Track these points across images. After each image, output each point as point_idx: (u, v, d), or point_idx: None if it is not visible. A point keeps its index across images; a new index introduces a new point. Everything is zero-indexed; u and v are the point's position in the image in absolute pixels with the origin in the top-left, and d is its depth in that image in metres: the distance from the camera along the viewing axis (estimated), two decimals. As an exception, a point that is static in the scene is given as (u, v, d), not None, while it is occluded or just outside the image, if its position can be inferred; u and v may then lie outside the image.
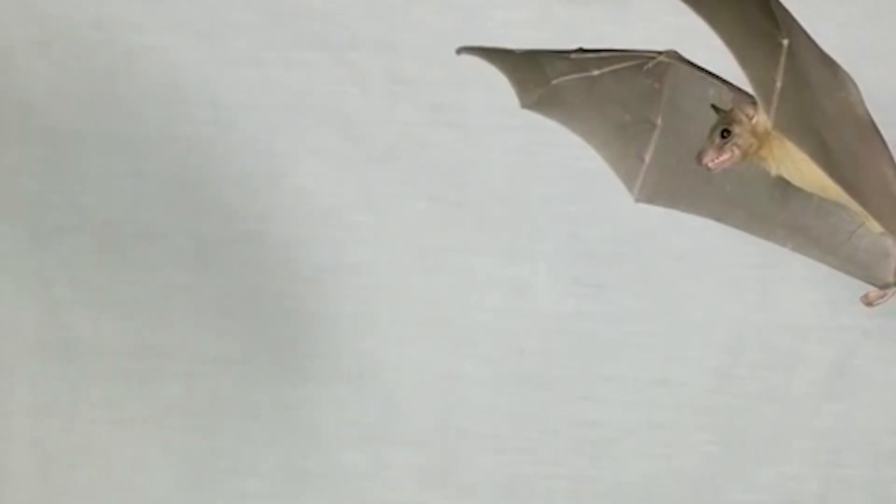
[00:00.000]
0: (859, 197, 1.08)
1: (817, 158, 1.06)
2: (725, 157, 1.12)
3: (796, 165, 1.12)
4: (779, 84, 1.02)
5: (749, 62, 1.01)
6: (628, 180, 1.21)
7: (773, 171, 1.14)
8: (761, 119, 1.10)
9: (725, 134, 1.12)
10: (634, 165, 1.20)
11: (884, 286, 1.17)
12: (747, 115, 1.11)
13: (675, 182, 1.19)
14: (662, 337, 1.56)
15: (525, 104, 1.20)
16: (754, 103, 1.10)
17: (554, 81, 1.18)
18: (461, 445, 1.57)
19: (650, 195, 1.21)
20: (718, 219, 1.20)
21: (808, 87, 1.04)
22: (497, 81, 1.21)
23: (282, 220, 1.57)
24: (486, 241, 1.56)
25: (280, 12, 1.55)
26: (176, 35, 1.55)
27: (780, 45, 1.02)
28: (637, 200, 1.21)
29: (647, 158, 1.20)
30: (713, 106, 1.13)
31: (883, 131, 1.10)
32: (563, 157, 1.54)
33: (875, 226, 1.14)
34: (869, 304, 1.17)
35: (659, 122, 1.19)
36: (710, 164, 1.12)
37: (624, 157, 1.20)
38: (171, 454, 1.58)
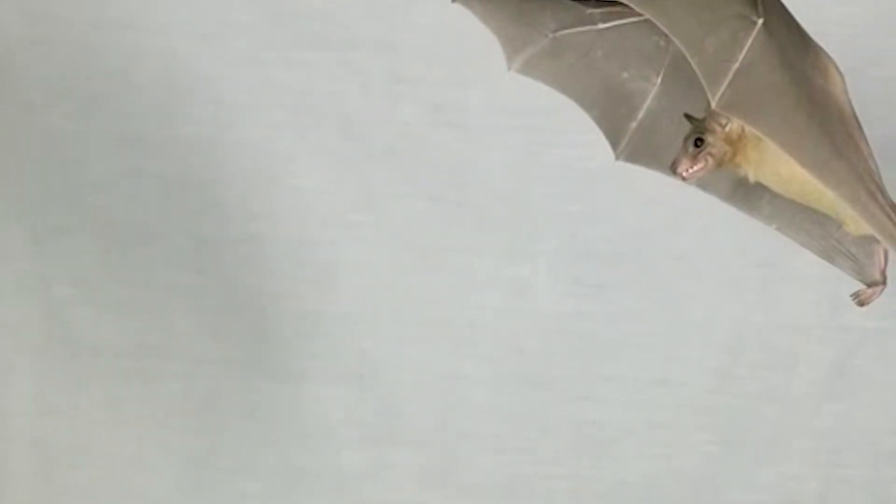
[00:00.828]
0: (836, 185, 1.06)
1: (780, 139, 1.04)
2: (699, 166, 1.12)
3: (774, 169, 1.11)
4: (736, 65, 1.02)
5: (699, 46, 1.01)
6: (614, 138, 1.19)
7: (752, 178, 1.13)
8: (734, 126, 1.10)
9: (699, 143, 1.12)
10: (623, 123, 1.18)
11: (872, 283, 1.16)
12: (720, 124, 1.10)
13: (663, 143, 1.18)
14: (662, 337, 1.56)
15: (513, 65, 1.19)
16: None
17: (553, 35, 1.16)
18: (461, 445, 1.57)
19: (633, 154, 1.19)
20: (701, 186, 1.19)
21: (782, 69, 1.03)
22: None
23: (282, 220, 1.56)
24: (486, 241, 1.56)
25: (280, 12, 1.55)
26: (176, 35, 1.55)
27: (754, 23, 1.02)
28: (618, 158, 1.20)
29: (640, 116, 1.18)
30: (686, 115, 1.13)
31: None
32: (563, 157, 1.54)
33: (856, 227, 1.13)
34: (861, 303, 1.17)
35: (658, 80, 1.17)
36: (684, 174, 1.12)
37: (613, 116, 1.18)
38: (171, 454, 1.58)
